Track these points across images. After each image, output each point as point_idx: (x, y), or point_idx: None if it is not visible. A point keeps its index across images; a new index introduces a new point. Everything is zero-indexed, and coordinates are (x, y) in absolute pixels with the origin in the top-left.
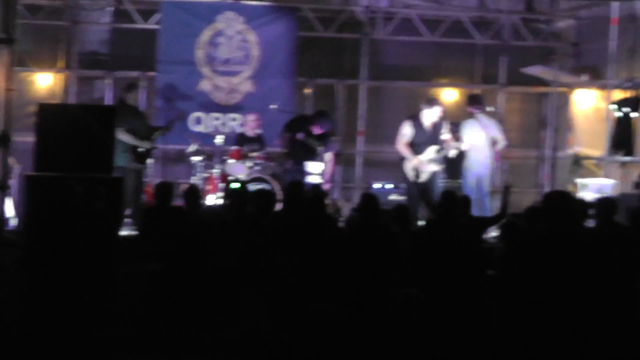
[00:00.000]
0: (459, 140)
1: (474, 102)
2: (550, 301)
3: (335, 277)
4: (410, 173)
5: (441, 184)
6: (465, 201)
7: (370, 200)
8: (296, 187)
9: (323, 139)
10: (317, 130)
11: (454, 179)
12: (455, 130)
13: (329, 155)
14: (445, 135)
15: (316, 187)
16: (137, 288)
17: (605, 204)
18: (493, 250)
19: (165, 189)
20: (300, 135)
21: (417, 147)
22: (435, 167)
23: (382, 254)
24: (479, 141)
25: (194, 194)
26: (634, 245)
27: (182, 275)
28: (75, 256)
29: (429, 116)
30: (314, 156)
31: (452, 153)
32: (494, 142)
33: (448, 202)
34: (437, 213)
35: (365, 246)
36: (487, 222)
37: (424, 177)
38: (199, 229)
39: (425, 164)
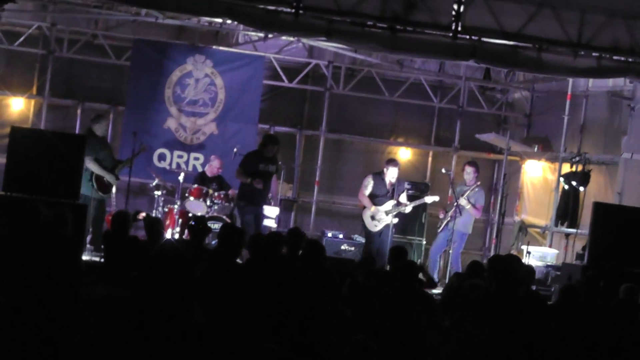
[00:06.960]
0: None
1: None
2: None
3: (283, 318)
4: (368, 221)
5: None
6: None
7: (314, 245)
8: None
9: (273, 161)
10: (270, 152)
11: (407, 235)
12: (409, 189)
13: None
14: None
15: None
16: (99, 313)
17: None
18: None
19: (122, 218)
20: (262, 166)
21: (376, 199)
22: (390, 220)
23: (323, 298)
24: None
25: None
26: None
27: (144, 303)
28: (42, 278)
29: (390, 174)
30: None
31: (408, 209)
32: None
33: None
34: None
35: (307, 289)
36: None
37: (379, 227)
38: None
39: (382, 214)
